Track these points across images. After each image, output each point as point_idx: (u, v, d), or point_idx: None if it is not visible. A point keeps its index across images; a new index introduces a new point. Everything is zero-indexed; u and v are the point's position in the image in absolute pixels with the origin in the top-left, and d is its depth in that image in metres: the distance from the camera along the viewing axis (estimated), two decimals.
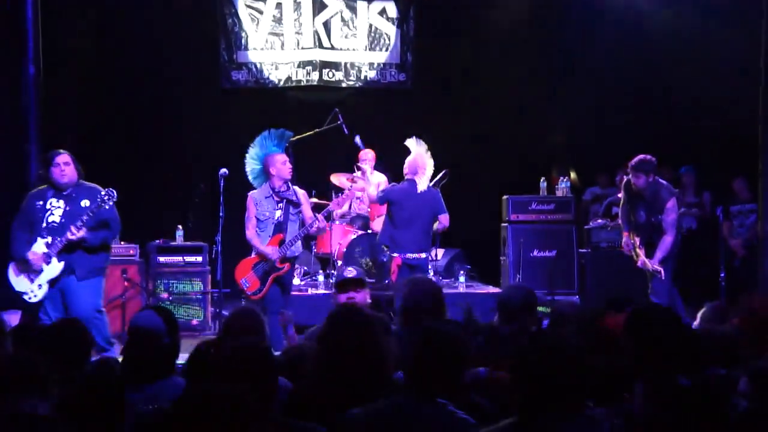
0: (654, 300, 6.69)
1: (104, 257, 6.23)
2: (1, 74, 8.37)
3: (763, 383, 2.60)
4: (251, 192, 6.79)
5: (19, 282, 6.01)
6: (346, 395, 2.92)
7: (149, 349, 3.23)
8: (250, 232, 6.74)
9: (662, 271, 6.83)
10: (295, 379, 3.26)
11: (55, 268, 5.95)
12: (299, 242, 6.85)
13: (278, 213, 6.72)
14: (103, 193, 5.97)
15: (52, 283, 5.98)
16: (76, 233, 5.87)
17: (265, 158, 6.78)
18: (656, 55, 9.75)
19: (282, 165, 6.72)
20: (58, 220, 5.99)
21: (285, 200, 6.72)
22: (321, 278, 8.63)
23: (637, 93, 10.12)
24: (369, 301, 5.15)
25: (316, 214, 6.76)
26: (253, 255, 6.76)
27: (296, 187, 6.87)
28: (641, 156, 7.01)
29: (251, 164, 6.88)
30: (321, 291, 8.36)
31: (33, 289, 5.97)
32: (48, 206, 5.98)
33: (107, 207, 5.98)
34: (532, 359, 2.44)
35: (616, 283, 7.87)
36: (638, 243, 7.06)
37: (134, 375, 3.17)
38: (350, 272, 5.13)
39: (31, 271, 5.94)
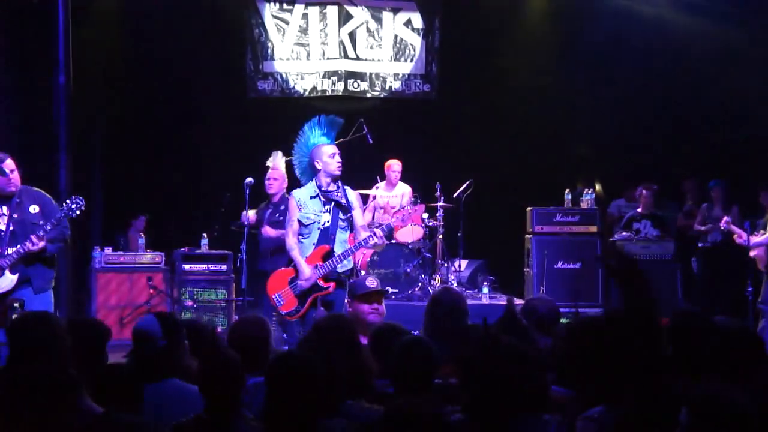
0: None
1: (55, 269, 5.74)
2: (32, 83, 8.50)
3: (703, 414, 2.32)
4: (294, 191, 5.89)
5: None
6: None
7: (144, 351, 3.31)
8: (290, 240, 5.71)
9: None
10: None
11: (7, 280, 5.40)
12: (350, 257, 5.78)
13: (325, 217, 5.71)
14: (70, 201, 5.49)
15: (2, 297, 5.38)
16: (37, 243, 5.37)
17: (312, 150, 5.79)
18: (684, 67, 9.69)
19: (329, 158, 5.71)
20: (3, 228, 5.46)
21: (333, 202, 5.73)
22: None
23: (664, 105, 10.06)
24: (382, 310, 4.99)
25: (374, 230, 5.70)
26: (291, 266, 5.77)
27: (348, 187, 5.87)
28: None
29: (298, 156, 5.96)
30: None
31: None
32: None
33: (74, 216, 5.52)
34: (481, 362, 2.45)
35: None
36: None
37: (137, 376, 3.20)
38: (372, 283, 5.02)
39: None
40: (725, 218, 7.62)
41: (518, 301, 8.39)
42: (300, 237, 5.74)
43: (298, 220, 5.71)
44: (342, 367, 3.09)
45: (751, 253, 7.42)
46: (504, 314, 3.89)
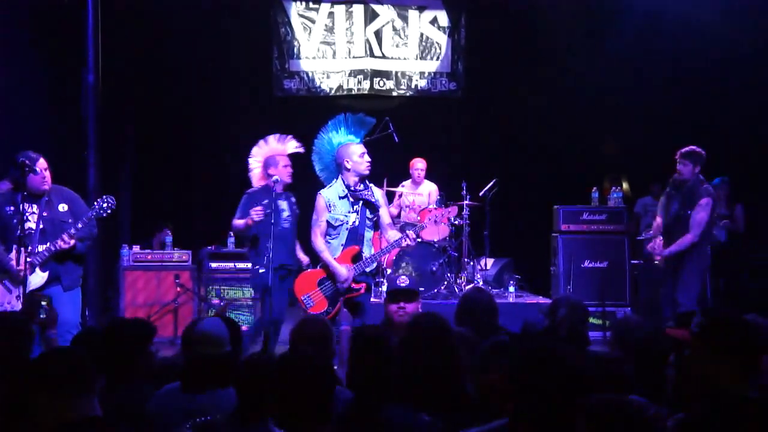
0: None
1: (83, 266, 5.81)
2: (62, 82, 8.60)
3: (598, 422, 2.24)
4: (322, 190, 5.78)
5: None
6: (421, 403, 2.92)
7: (210, 355, 3.17)
8: (318, 241, 5.66)
9: (660, 258, 6.83)
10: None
11: (38, 278, 5.48)
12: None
13: (353, 217, 5.68)
14: (101, 200, 5.56)
15: (33, 293, 5.38)
16: (69, 242, 5.45)
17: (339, 148, 5.74)
18: (711, 64, 9.59)
19: (360, 158, 5.65)
20: (34, 226, 5.50)
21: (362, 201, 5.68)
22: (386, 287, 8.32)
23: (692, 103, 9.96)
24: (420, 311, 5.01)
25: (407, 231, 5.71)
26: (319, 267, 5.74)
27: (373, 185, 5.83)
28: (693, 146, 6.92)
29: (320, 153, 5.90)
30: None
31: (10, 300, 5.45)
32: (21, 212, 5.37)
33: (104, 215, 5.58)
34: (528, 367, 2.42)
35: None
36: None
37: (193, 381, 3.13)
38: (403, 281, 5.06)
39: (10, 281, 5.46)
40: (656, 224, 7.23)
41: (544, 300, 8.43)
42: (327, 237, 5.69)
43: (327, 221, 5.67)
44: (438, 364, 3.08)
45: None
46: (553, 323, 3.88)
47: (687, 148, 6.93)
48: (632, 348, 3.39)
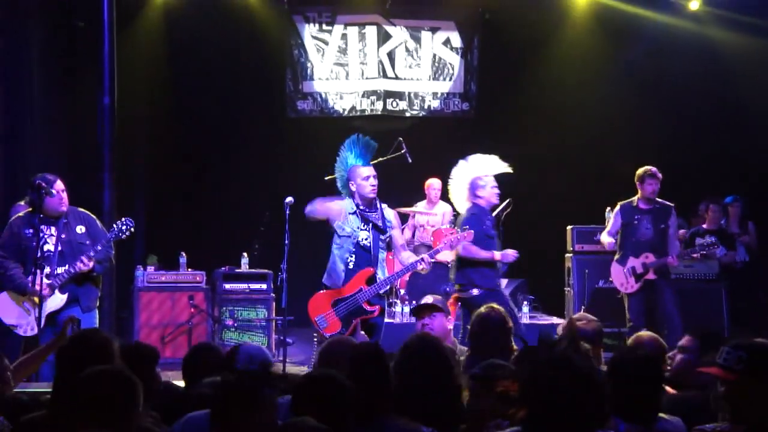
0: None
1: (100, 288, 5.83)
2: (78, 104, 8.68)
3: None
4: (346, 200, 5.89)
5: (10, 314, 5.54)
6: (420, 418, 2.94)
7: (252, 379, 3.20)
8: (317, 202, 5.82)
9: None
10: None
11: (57, 300, 5.50)
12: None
13: (363, 234, 5.71)
14: (120, 223, 5.63)
15: (52, 316, 5.48)
16: (88, 264, 5.49)
17: (348, 170, 5.85)
18: (728, 85, 9.58)
19: (363, 181, 5.72)
20: (52, 248, 5.52)
21: (371, 223, 5.74)
22: (399, 308, 8.27)
23: (707, 123, 9.94)
24: (449, 327, 5.05)
25: (423, 255, 5.79)
26: (335, 288, 5.77)
27: (386, 206, 5.89)
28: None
29: (339, 171, 5.96)
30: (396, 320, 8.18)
31: (29, 322, 5.46)
32: (40, 234, 5.42)
33: (123, 237, 5.65)
34: (544, 376, 2.42)
35: (686, 316, 7.68)
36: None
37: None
38: (427, 299, 5.11)
39: (29, 302, 5.48)
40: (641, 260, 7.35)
41: (558, 320, 8.37)
42: (335, 246, 5.75)
43: (334, 228, 5.75)
44: (435, 385, 3.12)
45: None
46: (565, 334, 3.86)
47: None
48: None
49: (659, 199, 7.45)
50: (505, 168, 6.82)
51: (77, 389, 2.58)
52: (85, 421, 2.49)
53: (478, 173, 6.67)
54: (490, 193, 6.56)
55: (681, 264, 8.21)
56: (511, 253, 6.52)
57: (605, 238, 7.63)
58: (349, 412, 2.77)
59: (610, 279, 7.55)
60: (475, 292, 6.38)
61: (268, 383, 2.85)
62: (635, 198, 7.49)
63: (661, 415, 3.04)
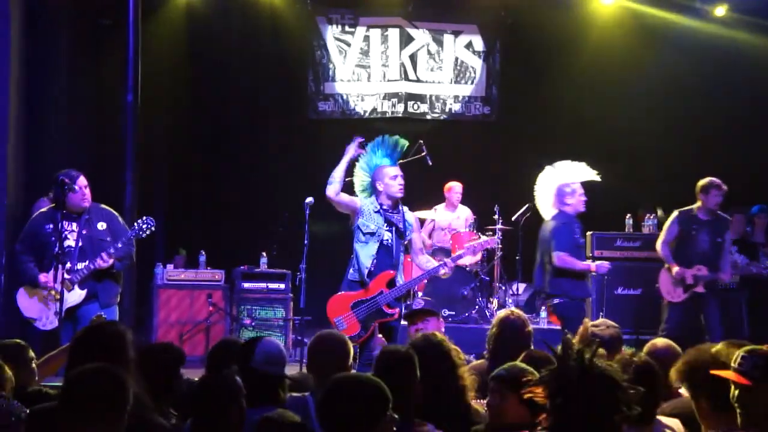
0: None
1: (120, 285, 5.84)
2: (102, 102, 8.74)
3: None
4: (361, 197, 5.90)
5: (30, 308, 5.58)
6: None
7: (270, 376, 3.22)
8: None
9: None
10: None
11: (76, 295, 5.53)
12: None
13: (387, 235, 5.69)
14: (141, 222, 5.66)
15: (71, 310, 5.50)
16: (107, 260, 5.53)
17: (375, 170, 5.83)
18: (749, 92, 9.51)
19: (391, 180, 5.72)
20: (73, 244, 5.56)
21: (394, 226, 5.72)
22: None
23: (728, 130, 9.88)
24: (442, 330, 5.00)
25: (445, 260, 5.86)
26: (355, 290, 5.75)
27: (407, 209, 5.88)
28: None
29: (360, 174, 5.92)
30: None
31: (48, 316, 5.51)
32: (60, 230, 5.42)
33: (144, 236, 5.70)
34: (577, 384, 2.41)
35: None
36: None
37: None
38: (419, 303, 5.12)
39: (48, 297, 5.52)
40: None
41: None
42: (356, 242, 5.72)
43: (358, 227, 5.71)
44: (440, 385, 3.15)
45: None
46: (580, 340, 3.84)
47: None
48: None
49: (719, 212, 7.21)
50: (592, 175, 6.77)
51: (66, 387, 2.60)
52: (79, 418, 2.51)
53: (566, 180, 6.67)
54: (577, 200, 6.56)
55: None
56: (605, 265, 6.63)
57: (660, 249, 7.33)
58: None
59: (657, 285, 7.34)
60: (556, 300, 6.49)
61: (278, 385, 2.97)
62: (695, 207, 7.20)
63: (659, 417, 3.04)
